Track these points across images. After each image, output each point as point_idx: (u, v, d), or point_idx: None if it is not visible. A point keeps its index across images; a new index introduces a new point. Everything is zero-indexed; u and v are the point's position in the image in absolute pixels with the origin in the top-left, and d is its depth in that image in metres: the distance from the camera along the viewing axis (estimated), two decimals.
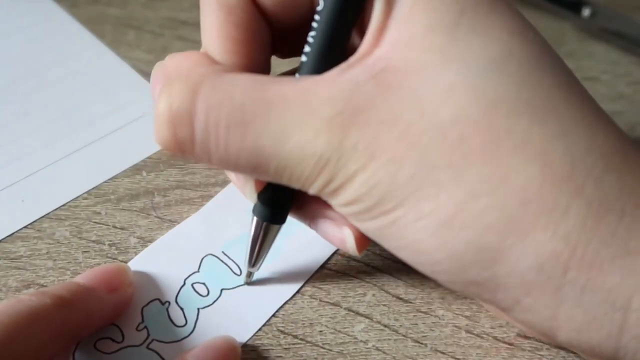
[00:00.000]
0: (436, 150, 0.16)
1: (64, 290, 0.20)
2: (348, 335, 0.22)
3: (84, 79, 0.31)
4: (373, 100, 0.16)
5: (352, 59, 0.17)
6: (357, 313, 0.23)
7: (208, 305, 0.23)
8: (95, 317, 0.21)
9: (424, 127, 0.16)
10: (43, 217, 0.25)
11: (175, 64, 0.19)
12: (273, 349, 0.22)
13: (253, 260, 0.22)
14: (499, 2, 0.17)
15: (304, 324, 0.23)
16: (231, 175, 0.22)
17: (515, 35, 0.16)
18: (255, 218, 0.21)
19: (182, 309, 0.22)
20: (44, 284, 0.23)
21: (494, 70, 0.16)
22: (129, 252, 0.24)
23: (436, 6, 0.16)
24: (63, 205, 0.25)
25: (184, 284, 0.23)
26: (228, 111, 0.16)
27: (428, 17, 0.16)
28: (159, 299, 0.23)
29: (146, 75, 0.31)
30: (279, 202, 0.20)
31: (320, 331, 0.22)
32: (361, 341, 0.22)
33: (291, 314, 0.23)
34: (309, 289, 0.24)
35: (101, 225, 0.25)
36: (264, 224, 0.21)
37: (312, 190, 0.17)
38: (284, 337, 0.22)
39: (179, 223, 0.25)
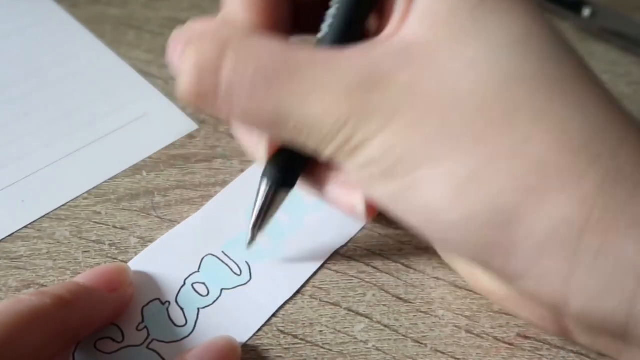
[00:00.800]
0: (456, 116, 0.16)
1: (64, 290, 0.20)
2: (348, 335, 0.22)
3: (84, 79, 0.31)
4: (396, 71, 0.16)
5: (378, 37, 0.18)
6: (357, 313, 0.23)
7: (208, 305, 0.23)
8: (96, 317, 0.21)
9: (443, 95, 0.16)
10: (43, 217, 0.25)
11: (199, 26, 0.19)
12: (273, 349, 0.22)
13: (259, 224, 0.21)
14: None
15: (304, 324, 0.23)
16: (243, 138, 0.22)
17: (536, 19, 0.17)
18: (264, 181, 0.21)
19: (182, 308, 0.22)
20: (44, 284, 0.23)
21: (516, 48, 0.16)
22: (129, 252, 0.24)
23: None
24: (63, 205, 0.25)
25: (184, 283, 0.23)
26: (255, 68, 0.17)
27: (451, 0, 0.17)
28: (159, 299, 0.23)
29: (146, 75, 0.31)
30: (291, 165, 0.20)
31: (320, 331, 0.22)
32: (361, 341, 0.22)
33: (291, 314, 0.23)
34: (309, 289, 0.24)
35: (101, 225, 0.25)
36: (273, 187, 0.20)
37: (328, 151, 0.18)
38: (284, 337, 0.22)
39: (179, 223, 0.25)
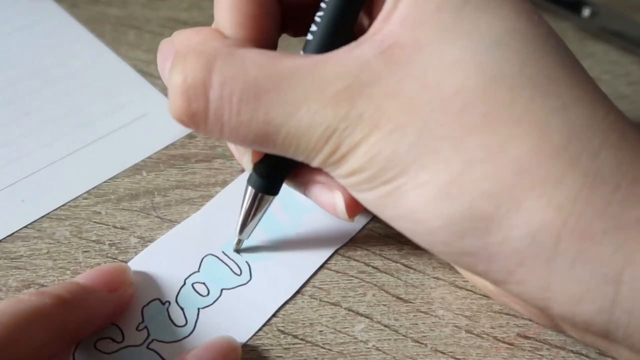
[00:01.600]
0: (437, 121, 0.16)
1: (64, 290, 0.20)
2: (348, 335, 0.22)
3: (84, 79, 0.31)
4: (379, 74, 0.16)
5: (362, 38, 0.17)
6: (357, 313, 0.23)
7: (208, 305, 0.23)
8: (96, 317, 0.21)
9: (426, 98, 0.16)
10: (43, 217, 0.25)
11: (184, 39, 0.19)
12: (273, 349, 0.22)
13: (244, 229, 0.23)
14: None
15: (304, 323, 0.23)
16: (231, 145, 0.23)
17: (522, 15, 0.17)
18: (249, 188, 0.21)
19: (182, 308, 0.22)
20: (44, 284, 0.23)
21: (499, 47, 0.16)
22: (129, 252, 0.24)
23: None
24: (63, 205, 0.25)
25: (184, 283, 0.23)
26: (242, 84, 0.17)
27: None
28: (159, 299, 0.23)
29: (146, 75, 0.31)
30: (274, 173, 0.21)
31: (321, 331, 0.22)
32: (361, 341, 0.22)
33: (291, 313, 0.23)
34: (309, 289, 0.24)
35: (101, 225, 0.25)
36: (258, 194, 0.21)
37: (316, 161, 0.18)
38: (284, 337, 0.22)
39: (179, 223, 0.25)
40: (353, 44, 0.17)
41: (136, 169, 0.27)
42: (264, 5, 0.20)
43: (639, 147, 0.16)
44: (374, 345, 0.22)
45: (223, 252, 0.24)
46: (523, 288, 0.16)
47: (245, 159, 0.21)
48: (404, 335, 0.22)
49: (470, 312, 0.23)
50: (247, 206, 0.22)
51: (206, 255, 0.24)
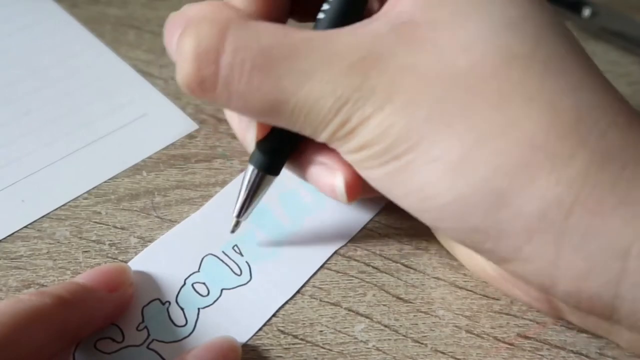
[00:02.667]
0: (451, 96, 0.16)
1: (64, 290, 0.20)
2: (348, 335, 0.22)
3: (84, 79, 0.31)
4: (394, 48, 0.17)
5: (375, 15, 0.18)
6: (357, 313, 0.23)
7: (208, 305, 0.23)
8: (96, 317, 0.21)
9: (440, 74, 0.16)
10: (43, 217, 0.25)
11: (196, 10, 0.19)
12: (273, 349, 0.22)
13: (243, 210, 0.22)
14: None
15: (304, 324, 0.23)
16: (234, 122, 0.22)
17: (534, 3, 0.17)
18: (251, 167, 0.21)
19: (182, 308, 0.22)
20: (44, 284, 0.23)
21: (512, 29, 0.17)
22: (129, 252, 0.24)
23: None
24: (63, 205, 0.25)
25: (184, 283, 0.23)
26: (255, 52, 0.17)
27: None
28: (159, 299, 0.23)
29: (146, 75, 0.31)
30: (277, 151, 0.21)
31: (321, 331, 0.22)
32: (361, 341, 0.22)
33: (291, 314, 0.23)
34: (309, 289, 0.24)
35: (101, 225, 0.25)
36: (260, 173, 0.21)
37: (324, 134, 0.18)
38: (284, 337, 0.22)
39: (179, 223, 0.25)
40: (366, 21, 0.17)
41: (136, 169, 0.27)
42: None
43: None
44: (374, 346, 0.22)
45: (223, 252, 0.24)
46: (529, 266, 0.17)
47: (249, 136, 0.21)
48: (404, 336, 0.22)
49: (470, 312, 0.23)
50: (248, 186, 0.21)
51: (206, 255, 0.24)
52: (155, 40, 0.33)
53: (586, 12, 0.34)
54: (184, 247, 0.24)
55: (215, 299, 0.23)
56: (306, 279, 0.24)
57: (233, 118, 0.23)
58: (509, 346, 0.22)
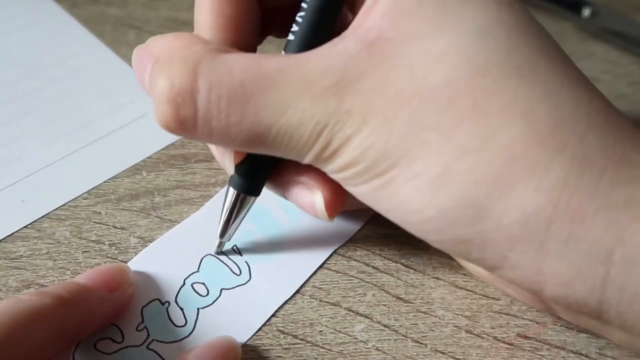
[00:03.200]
0: (426, 112, 0.16)
1: (64, 290, 0.20)
2: (348, 335, 0.22)
3: (84, 79, 0.31)
4: (365, 68, 0.17)
5: (345, 33, 0.18)
6: (357, 313, 0.23)
7: (208, 305, 0.23)
8: (95, 317, 0.21)
9: (414, 90, 0.16)
10: (43, 217, 0.25)
11: (164, 45, 0.19)
12: (273, 349, 0.22)
13: (225, 231, 0.23)
14: None
15: (304, 324, 0.23)
16: (212, 147, 0.22)
17: (503, 6, 0.17)
18: (231, 189, 0.21)
19: (182, 309, 0.22)
20: (44, 284, 0.23)
21: (483, 37, 0.16)
22: (129, 252, 0.24)
23: None
24: (63, 205, 0.25)
25: (184, 284, 0.23)
26: (229, 88, 0.17)
27: None
28: (158, 299, 0.23)
29: None
30: (256, 173, 0.21)
31: (320, 331, 0.22)
32: (361, 341, 0.22)
33: (291, 314, 0.23)
34: (309, 289, 0.24)
35: (101, 225, 0.25)
36: (240, 195, 0.21)
37: (308, 158, 0.18)
38: (284, 337, 0.22)
39: (179, 223, 0.25)
40: (336, 40, 0.17)
41: (136, 169, 0.27)
42: (243, 8, 0.20)
43: (622, 130, 0.17)
44: (373, 346, 0.22)
45: (222, 252, 0.24)
46: (516, 273, 0.17)
47: (226, 160, 0.21)
48: (404, 336, 0.22)
49: (470, 312, 0.23)
50: (229, 207, 0.22)
51: (205, 256, 0.24)
52: None
53: (586, 12, 0.34)
54: (184, 247, 0.24)
55: (214, 299, 0.23)
56: (306, 278, 0.24)
57: (224, 146, 0.23)
58: (508, 346, 0.22)
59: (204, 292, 0.23)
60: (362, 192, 0.18)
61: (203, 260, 0.24)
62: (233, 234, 0.23)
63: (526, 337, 0.22)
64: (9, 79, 0.30)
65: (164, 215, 0.25)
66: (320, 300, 0.23)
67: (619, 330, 0.17)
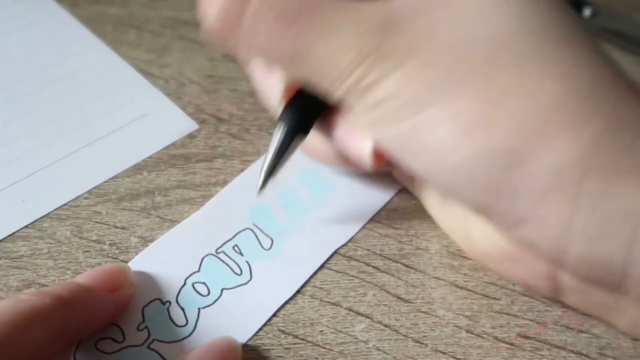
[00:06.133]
0: (469, 58, 0.17)
1: (64, 290, 0.20)
2: (349, 335, 0.22)
3: (85, 79, 0.31)
4: (416, 13, 0.17)
5: None
6: (358, 313, 0.23)
7: (209, 305, 0.23)
8: (96, 316, 0.21)
9: (462, 37, 0.17)
10: (44, 216, 0.25)
11: None
12: (274, 349, 0.22)
13: (273, 170, 0.21)
14: None
15: (304, 323, 0.23)
16: (261, 79, 0.22)
17: None
18: (281, 126, 0.21)
19: (182, 308, 0.22)
20: (45, 284, 0.23)
21: (527, 5, 0.17)
22: (130, 252, 0.24)
23: None
24: (64, 205, 0.25)
25: (185, 283, 0.23)
26: (280, 3, 0.17)
27: None
28: (159, 299, 0.23)
29: (147, 75, 0.31)
30: (306, 110, 0.21)
31: (321, 331, 0.22)
32: (362, 341, 0.22)
33: (292, 313, 0.23)
34: (309, 288, 0.24)
35: (102, 225, 0.25)
36: (290, 132, 0.21)
37: (340, 90, 0.18)
38: (285, 336, 0.22)
39: (179, 223, 0.25)
40: None
41: (137, 168, 0.27)
42: None
43: None
44: (374, 345, 0.22)
45: (223, 251, 0.24)
46: (543, 229, 0.17)
47: (276, 95, 0.21)
48: (405, 335, 0.22)
49: (470, 312, 0.23)
50: (279, 145, 0.21)
51: (206, 255, 0.24)
52: (156, 39, 0.33)
53: (586, 12, 0.34)
54: (184, 246, 0.24)
55: (215, 298, 0.23)
56: (306, 278, 0.24)
57: (260, 77, 0.23)
58: (509, 346, 0.22)
59: (205, 292, 0.23)
60: (392, 134, 0.18)
61: (204, 260, 0.24)
62: (278, 173, 0.21)
63: (527, 337, 0.22)
64: (9, 79, 0.30)
65: (164, 215, 0.25)
66: (321, 300, 0.23)
67: (636, 302, 0.17)
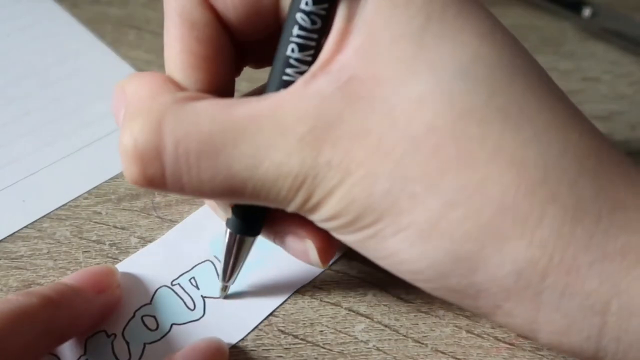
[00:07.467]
0: (410, 162, 0.15)
1: (51, 290, 0.20)
2: (349, 335, 0.22)
3: (85, 79, 0.31)
4: (342, 113, 0.16)
5: (314, 67, 0.16)
6: (358, 313, 0.23)
7: (155, 341, 0.22)
8: (83, 317, 0.21)
9: (396, 139, 0.15)
10: (44, 217, 0.25)
11: (134, 90, 0.18)
12: (274, 349, 0.22)
13: (228, 274, 0.21)
14: (466, 3, 0.16)
15: (304, 323, 0.23)
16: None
17: (485, 38, 0.16)
18: (229, 231, 0.20)
19: (127, 342, 0.21)
20: (45, 284, 0.23)
21: (463, 78, 0.15)
22: (130, 252, 0.24)
23: (402, 11, 0.16)
24: (64, 205, 0.25)
25: (134, 316, 0.22)
26: (197, 142, 0.16)
27: (394, 23, 0.16)
28: (105, 331, 0.22)
29: None
30: (252, 213, 0.20)
31: (321, 331, 0.22)
32: (362, 341, 0.22)
33: (292, 313, 0.23)
34: (309, 288, 0.24)
35: (102, 225, 0.25)
36: (238, 236, 0.20)
37: (290, 208, 0.17)
38: (285, 337, 0.22)
39: (179, 223, 0.25)
40: (307, 76, 0.16)
41: None
42: (215, 45, 0.18)
43: (615, 171, 0.16)
44: (374, 345, 0.22)
45: (179, 284, 0.23)
46: (511, 320, 0.17)
47: (221, 205, 0.21)
48: (405, 335, 0.22)
49: (470, 312, 0.23)
50: (230, 250, 0.21)
51: (161, 287, 0.23)
52: (156, 40, 0.33)
53: (586, 12, 0.34)
54: (139, 277, 0.23)
55: (163, 334, 0.22)
56: (263, 317, 0.23)
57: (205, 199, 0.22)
58: (509, 346, 0.22)
59: (154, 326, 0.22)
60: (351, 241, 0.17)
61: (157, 292, 0.23)
62: (237, 275, 0.22)
63: (527, 337, 0.22)
64: (9, 79, 0.30)
65: (164, 215, 0.25)
66: (321, 300, 0.23)
67: None
